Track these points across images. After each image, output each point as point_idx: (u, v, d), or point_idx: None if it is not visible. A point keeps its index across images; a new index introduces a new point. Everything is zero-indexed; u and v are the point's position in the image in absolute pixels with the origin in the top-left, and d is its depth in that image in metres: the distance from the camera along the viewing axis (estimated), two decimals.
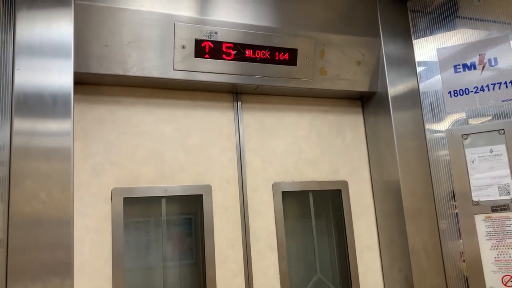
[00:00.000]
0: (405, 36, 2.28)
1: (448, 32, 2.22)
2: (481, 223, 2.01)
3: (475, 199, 2.03)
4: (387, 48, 2.22)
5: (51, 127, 1.52)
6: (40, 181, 1.47)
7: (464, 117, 2.12)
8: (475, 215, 2.02)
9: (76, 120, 1.69)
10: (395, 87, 2.19)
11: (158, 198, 1.89)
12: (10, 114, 1.48)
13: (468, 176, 2.05)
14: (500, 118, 2.04)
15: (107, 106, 1.86)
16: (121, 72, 1.75)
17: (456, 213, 2.06)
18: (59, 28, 1.59)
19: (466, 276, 2.00)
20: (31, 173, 1.46)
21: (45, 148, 1.49)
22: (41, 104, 1.52)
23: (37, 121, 1.50)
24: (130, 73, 1.76)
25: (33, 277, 1.41)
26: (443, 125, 2.15)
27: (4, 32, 1.54)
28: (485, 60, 2.12)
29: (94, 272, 1.71)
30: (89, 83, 1.82)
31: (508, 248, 1.95)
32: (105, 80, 1.82)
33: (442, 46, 2.21)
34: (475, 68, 2.14)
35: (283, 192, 2.10)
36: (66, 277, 1.46)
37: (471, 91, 2.12)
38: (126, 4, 1.73)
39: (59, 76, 1.56)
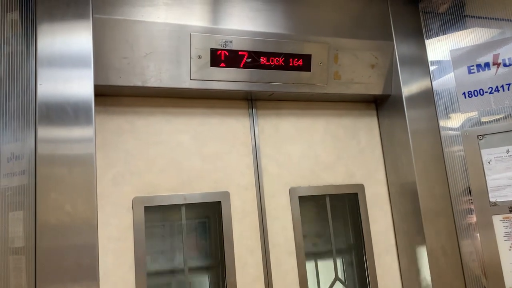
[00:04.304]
0: (418, 37, 2.29)
1: (461, 32, 2.21)
2: (499, 223, 2.01)
3: (492, 199, 2.03)
4: (400, 50, 2.23)
5: (74, 134, 1.56)
6: (65, 189, 1.51)
7: (477, 116, 2.12)
8: (493, 216, 2.02)
9: (96, 131, 1.72)
10: (409, 88, 2.19)
11: (178, 206, 1.92)
12: (34, 124, 1.53)
13: (485, 176, 2.05)
14: None
15: (126, 117, 1.90)
16: (139, 84, 1.78)
17: (472, 209, 2.05)
18: (79, 41, 1.63)
19: (485, 277, 2.00)
20: (56, 181, 1.50)
21: (69, 156, 1.54)
22: (63, 114, 1.56)
23: (60, 129, 1.55)
24: (148, 84, 1.79)
25: (60, 285, 1.45)
26: (458, 125, 2.15)
27: (26, 45, 1.59)
28: (499, 60, 2.11)
29: (118, 280, 1.75)
30: (108, 95, 1.86)
31: None
32: (123, 92, 1.85)
33: (455, 46, 2.21)
34: (489, 68, 2.13)
35: (300, 197, 2.12)
36: (92, 286, 1.49)
37: (486, 92, 2.12)
38: (142, 17, 1.76)
39: (80, 87, 1.60)
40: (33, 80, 1.56)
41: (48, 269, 1.45)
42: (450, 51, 2.21)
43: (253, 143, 2.10)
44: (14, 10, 1.61)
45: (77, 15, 1.64)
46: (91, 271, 1.50)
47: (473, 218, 2.06)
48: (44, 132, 1.53)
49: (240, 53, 1.91)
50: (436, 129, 2.18)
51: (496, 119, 2.08)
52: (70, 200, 1.51)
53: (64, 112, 1.56)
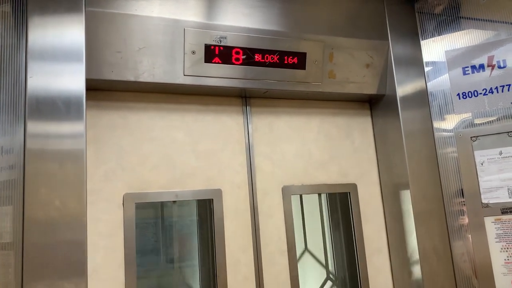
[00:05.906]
0: (413, 37, 2.28)
1: (456, 33, 2.21)
2: (490, 225, 2.01)
3: (484, 201, 2.03)
4: (395, 50, 2.22)
5: (64, 129, 1.54)
6: (54, 184, 1.49)
7: (471, 117, 2.12)
8: (485, 217, 2.02)
9: (88, 126, 1.70)
10: (403, 89, 2.19)
11: (169, 203, 1.90)
12: (23, 118, 1.50)
13: (478, 178, 2.05)
14: (509, 120, 2.04)
15: (119, 112, 1.87)
16: (132, 78, 1.75)
17: (464, 210, 2.06)
18: (71, 34, 1.61)
19: (476, 278, 2.00)
20: (45, 176, 1.48)
21: (59, 151, 1.51)
22: (54, 108, 1.54)
23: (50, 124, 1.53)
24: (141, 79, 1.77)
25: (48, 281, 1.43)
26: (452, 126, 2.15)
27: (17, 38, 1.56)
28: (494, 62, 2.11)
29: (107, 277, 1.73)
30: (100, 89, 1.83)
31: None
32: (116, 86, 1.83)
33: (450, 47, 2.20)
34: (483, 70, 2.13)
35: (292, 196, 2.11)
36: (81, 282, 1.47)
37: (480, 93, 2.12)
38: (136, 11, 1.74)
39: (71, 81, 1.57)
40: (23, 73, 1.53)
41: (36, 265, 1.43)
42: (445, 52, 2.21)
43: (247, 141, 2.09)
44: (5, 2, 1.58)
45: (70, 7, 1.62)
46: (79, 268, 1.48)
47: (465, 220, 2.06)
48: (34, 126, 1.50)
49: (234, 49, 1.90)
50: (430, 130, 2.18)
51: (490, 121, 2.08)
52: (60, 196, 1.49)
53: (54, 106, 1.54)
